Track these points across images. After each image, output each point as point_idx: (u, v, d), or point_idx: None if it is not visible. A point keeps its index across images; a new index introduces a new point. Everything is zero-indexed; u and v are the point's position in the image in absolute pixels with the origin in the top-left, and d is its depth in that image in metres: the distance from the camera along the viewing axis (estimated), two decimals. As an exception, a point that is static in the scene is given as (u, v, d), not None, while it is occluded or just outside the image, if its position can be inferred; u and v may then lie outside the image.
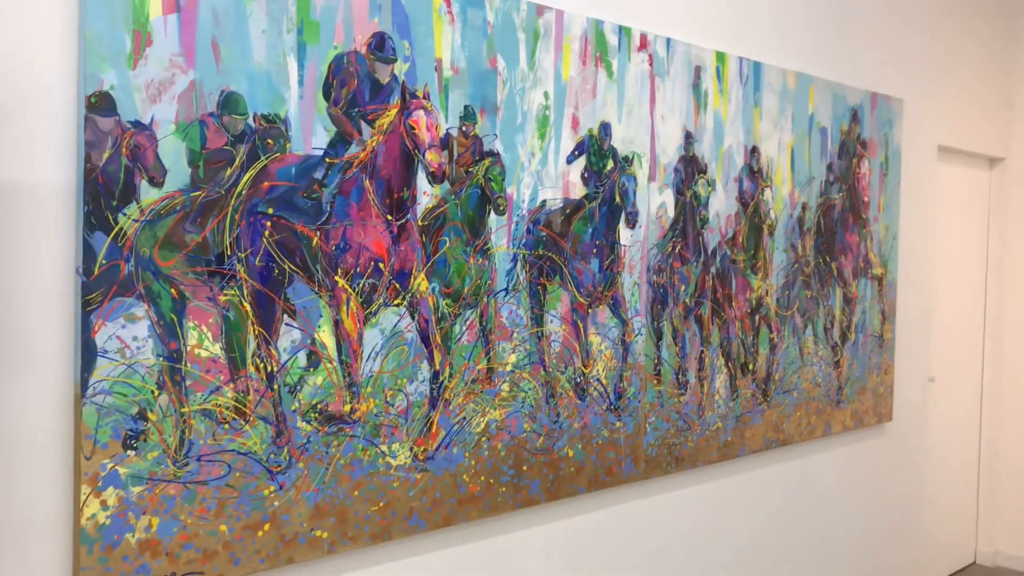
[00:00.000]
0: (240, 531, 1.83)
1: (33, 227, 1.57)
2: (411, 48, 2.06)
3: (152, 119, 1.68)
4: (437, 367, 2.14)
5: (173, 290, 1.72)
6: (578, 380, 2.46)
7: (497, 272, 2.26)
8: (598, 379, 2.51)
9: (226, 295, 1.79)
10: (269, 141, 1.84)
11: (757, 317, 3.02)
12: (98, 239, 1.63)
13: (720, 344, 2.89)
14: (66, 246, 1.60)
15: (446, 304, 2.15)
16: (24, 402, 1.57)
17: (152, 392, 1.71)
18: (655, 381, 2.67)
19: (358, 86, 1.97)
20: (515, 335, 2.30)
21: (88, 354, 1.62)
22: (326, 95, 1.92)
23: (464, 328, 2.19)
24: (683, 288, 2.75)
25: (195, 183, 1.74)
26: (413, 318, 2.09)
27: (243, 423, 1.83)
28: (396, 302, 2.06)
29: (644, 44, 2.58)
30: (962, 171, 4.25)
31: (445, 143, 2.13)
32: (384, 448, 2.05)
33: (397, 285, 2.05)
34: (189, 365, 1.75)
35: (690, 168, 2.75)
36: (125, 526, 1.68)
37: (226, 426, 1.80)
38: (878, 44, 3.50)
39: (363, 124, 1.98)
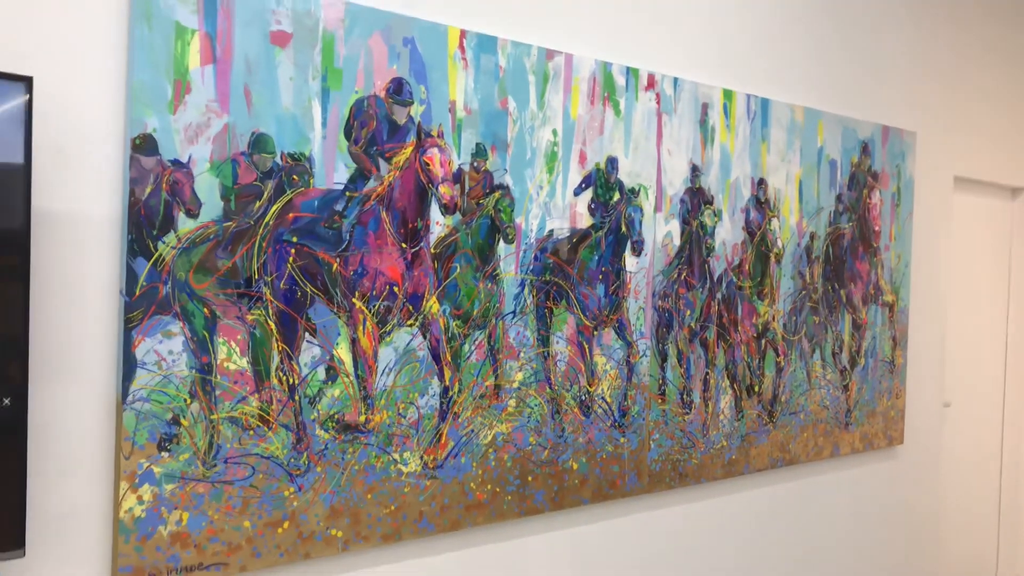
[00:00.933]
0: (262, 527, 2.02)
1: (84, 253, 1.78)
2: (427, 92, 2.25)
3: (190, 158, 1.89)
4: (447, 383, 2.32)
5: (206, 310, 1.92)
6: (583, 398, 2.62)
7: (505, 296, 2.43)
8: (603, 397, 2.67)
9: (253, 314, 1.99)
10: (295, 177, 2.04)
11: (763, 341, 3.15)
12: (139, 264, 1.84)
13: (725, 366, 3.02)
14: (111, 270, 1.82)
15: (456, 325, 2.33)
16: (72, 407, 1.78)
17: (185, 400, 1.91)
18: (659, 400, 2.82)
19: (377, 127, 2.17)
20: (522, 355, 2.47)
21: (129, 365, 1.83)
22: (347, 135, 2.12)
23: (473, 347, 2.37)
24: (688, 313, 2.90)
25: (227, 215, 1.95)
26: (425, 337, 2.27)
27: (266, 430, 2.02)
28: (409, 323, 2.24)
29: (652, 84, 2.75)
30: (983, 201, 4.34)
31: (457, 177, 2.32)
32: (396, 456, 2.23)
33: (410, 307, 2.24)
34: (219, 377, 1.95)
35: (696, 199, 2.90)
36: (158, 519, 1.88)
37: (251, 432, 2.00)
38: (890, 79, 3.63)
39: (381, 161, 2.18)
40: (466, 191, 2.34)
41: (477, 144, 2.35)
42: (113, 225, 1.81)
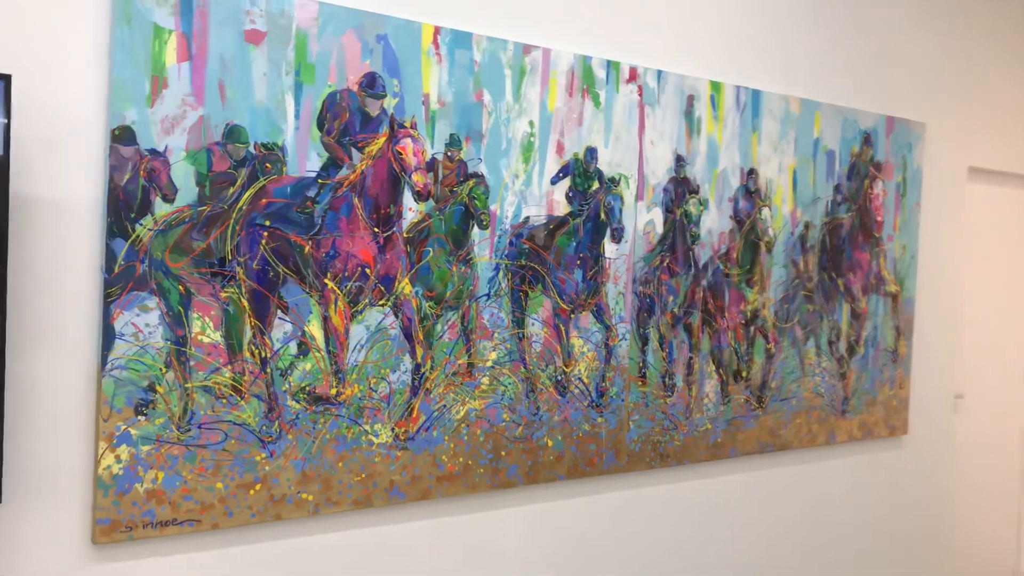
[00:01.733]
0: (234, 489, 2.19)
1: (67, 234, 1.97)
2: (400, 85, 2.38)
3: (166, 148, 2.06)
4: (419, 360, 2.46)
5: (180, 287, 2.09)
6: (559, 378, 2.73)
7: (479, 279, 2.56)
8: (579, 378, 2.78)
9: (226, 292, 2.15)
10: (268, 165, 2.20)
11: (752, 328, 3.22)
12: (118, 244, 2.01)
13: (711, 351, 3.10)
14: (93, 249, 2.00)
15: (429, 306, 2.46)
16: (56, 373, 1.97)
17: (160, 369, 2.08)
18: (640, 383, 2.92)
19: (349, 119, 2.31)
20: (496, 335, 2.60)
21: (108, 336, 2.01)
22: (320, 126, 2.27)
23: (446, 327, 2.50)
24: (671, 298, 2.98)
25: (202, 199, 2.11)
26: (397, 317, 2.41)
27: (239, 399, 2.19)
28: (381, 303, 2.38)
29: (633, 76, 2.83)
30: (1001, 191, 4.30)
31: (431, 166, 2.44)
32: (367, 428, 2.38)
33: (382, 288, 2.38)
34: (192, 349, 2.12)
35: (681, 188, 2.98)
36: (135, 477, 2.06)
37: (224, 400, 2.17)
38: (897, 69, 3.63)
39: (353, 151, 2.32)
40: (439, 179, 2.46)
41: (451, 135, 2.48)
42: (94, 209, 1.99)
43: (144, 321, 2.05)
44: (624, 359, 2.87)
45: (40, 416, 1.95)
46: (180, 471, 2.11)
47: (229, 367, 2.17)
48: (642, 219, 2.89)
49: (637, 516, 2.96)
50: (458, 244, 2.51)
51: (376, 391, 2.38)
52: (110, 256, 2.00)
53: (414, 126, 2.40)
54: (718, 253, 3.10)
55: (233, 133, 2.14)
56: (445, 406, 2.51)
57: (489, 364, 2.59)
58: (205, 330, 2.13)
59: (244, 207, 2.16)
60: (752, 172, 3.17)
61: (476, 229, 2.54)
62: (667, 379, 2.99)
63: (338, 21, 2.27)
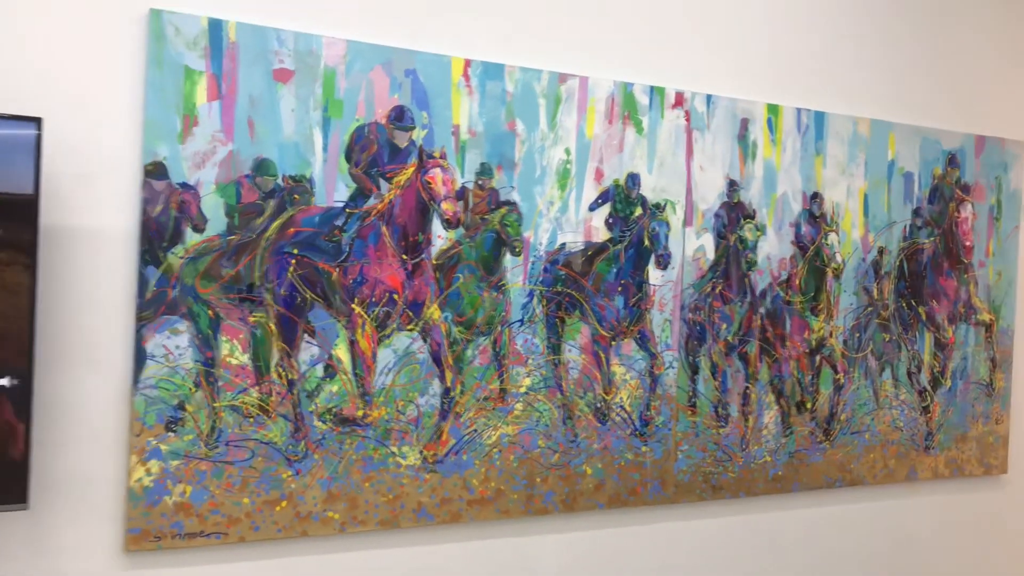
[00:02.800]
0: (260, 505, 2.29)
1: (103, 262, 2.12)
2: (429, 117, 2.45)
3: (197, 181, 2.19)
4: (448, 384, 2.49)
5: (210, 311, 2.22)
6: (598, 405, 2.71)
7: (512, 305, 2.58)
8: (621, 406, 2.75)
9: (255, 317, 2.26)
10: (296, 196, 2.30)
11: (818, 357, 3.09)
12: (150, 272, 2.16)
13: (770, 381, 3.00)
14: (127, 276, 2.15)
15: (459, 331, 2.50)
16: (92, 391, 2.12)
17: (190, 389, 2.21)
18: (689, 412, 2.85)
19: (378, 151, 2.39)
20: (530, 361, 2.61)
21: (140, 357, 2.15)
22: (348, 158, 2.36)
23: (477, 353, 2.53)
24: (724, 326, 2.91)
25: (231, 230, 2.23)
26: (425, 341, 2.46)
27: (266, 419, 2.29)
28: (409, 327, 2.44)
29: (680, 102, 2.80)
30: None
31: (461, 195, 2.49)
32: (395, 449, 2.43)
33: (410, 313, 2.44)
34: (221, 370, 2.23)
35: (735, 213, 2.91)
36: (164, 490, 2.19)
37: (251, 420, 2.27)
38: (982, 85, 3.43)
39: (381, 181, 2.40)
40: (470, 207, 2.50)
41: (482, 163, 2.52)
42: (129, 238, 2.14)
43: (175, 343, 2.18)
44: (671, 388, 2.82)
45: (77, 430, 2.10)
46: (208, 486, 2.22)
47: (256, 388, 2.27)
48: (691, 245, 2.84)
49: (686, 549, 2.88)
50: (489, 271, 2.54)
51: (404, 414, 2.44)
52: (143, 282, 2.14)
53: (443, 156, 2.45)
54: (778, 280, 3.00)
55: (262, 166, 2.25)
56: (476, 431, 2.53)
57: (523, 390, 2.60)
58: (233, 352, 2.24)
59: (272, 236, 2.27)
60: (816, 196, 3.05)
61: (508, 256, 2.56)
62: (720, 409, 2.91)
63: (366, 58, 2.36)
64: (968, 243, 3.38)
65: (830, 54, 3.10)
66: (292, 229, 2.30)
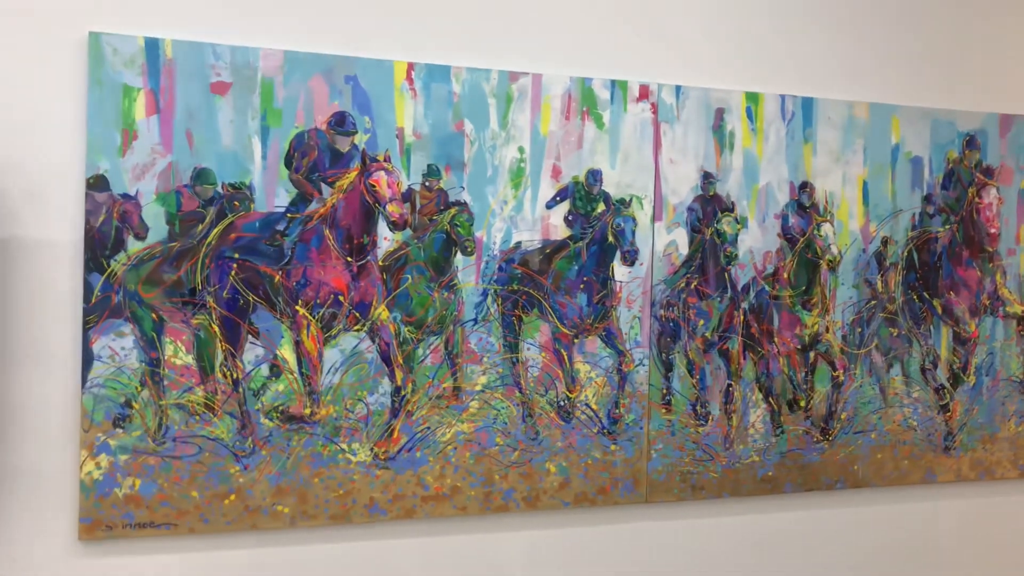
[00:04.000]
0: (209, 498, 2.37)
1: (52, 269, 2.25)
2: (372, 122, 2.47)
3: (137, 192, 2.29)
4: (399, 383, 2.51)
5: (153, 314, 2.31)
6: (561, 403, 2.66)
7: (465, 304, 2.56)
8: (587, 404, 2.69)
9: (198, 319, 2.34)
10: (236, 203, 2.36)
11: (812, 354, 2.93)
12: (95, 278, 2.27)
13: (756, 379, 2.86)
14: (74, 282, 2.26)
15: (408, 331, 2.51)
16: (44, 390, 2.25)
17: (136, 388, 2.31)
18: (663, 411, 2.76)
19: (318, 156, 2.43)
20: (485, 359, 2.58)
21: (87, 358, 2.26)
22: (288, 164, 2.40)
23: (428, 352, 2.53)
24: (701, 322, 2.80)
25: (172, 237, 2.32)
26: (373, 341, 2.48)
27: (212, 416, 2.36)
28: (356, 328, 2.47)
29: (645, 94, 2.71)
30: None
31: (408, 196, 2.50)
32: (344, 446, 2.47)
33: (357, 314, 2.46)
34: (166, 370, 2.33)
35: (710, 207, 2.80)
36: (114, 483, 2.29)
37: (197, 417, 2.35)
38: (1007, 60, 3.15)
39: (323, 186, 2.43)
40: (417, 209, 2.50)
41: (429, 165, 2.51)
42: (74, 248, 2.26)
43: (120, 345, 2.28)
44: (642, 385, 2.73)
45: (31, 427, 2.24)
46: (156, 479, 2.31)
47: (202, 387, 2.34)
48: (661, 240, 2.74)
49: (663, 549, 2.79)
50: (440, 271, 2.53)
51: (353, 412, 2.46)
52: (88, 288, 2.25)
53: (388, 159, 2.46)
54: (762, 274, 2.86)
55: (201, 176, 2.32)
56: (429, 428, 2.53)
57: (479, 388, 2.58)
58: (177, 353, 2.32)
59: (213, 242, 2.34)
60: (805, 185, 2.89)
61: (460, 256, 2.54)
62: (699, 407, 2.80)
63: (304, 67, 2.40)
64: (993, 230, 3.12)
65: (818, 36, 2.92)
66: (233, 235, 2.36)
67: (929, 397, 3.07)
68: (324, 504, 2.46)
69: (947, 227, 3.09)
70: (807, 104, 2.89)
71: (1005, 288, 3.16)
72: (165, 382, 2.32)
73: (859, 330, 2.98)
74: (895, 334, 3.03)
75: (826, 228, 2.91)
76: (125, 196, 2.28)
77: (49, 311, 2.25)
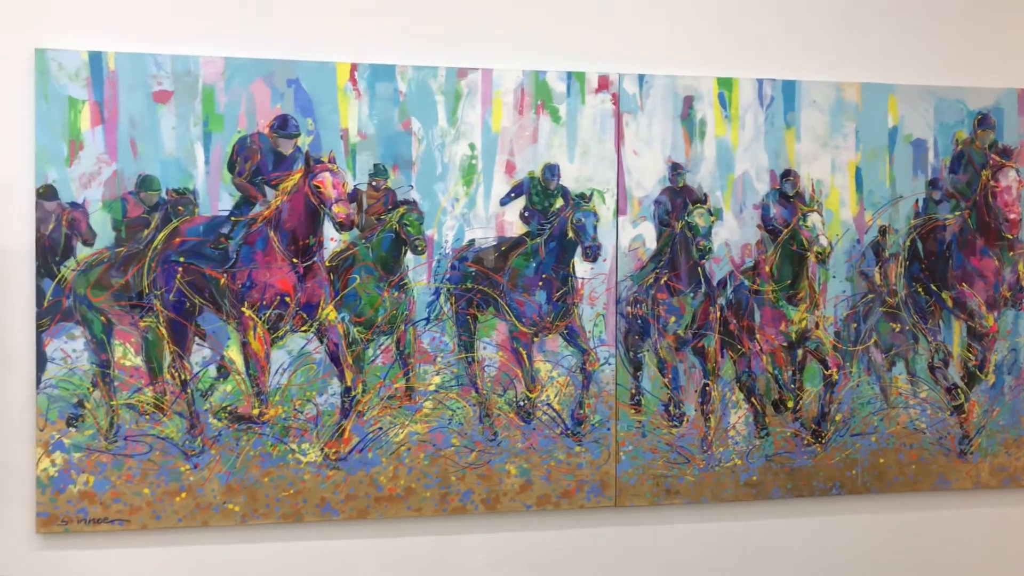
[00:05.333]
0: (160, 495, 2.29)
1: (6, 276, 2.22)
2: (315, 123, 2.33)
3: (84, 200, 2.24)
4: (348, 383, 2.36)
5: (103, 317, 2.25)
6: (521, 403, 2.45)
7: (416, 304, 2.39)
8: (548, 404, 2.46)
9: (145, 322, 2.27)
10: (180, 208, 2.28)
11: (800, 351, 2.60)
12: (46, 283, 2.23)
13: (737, 378, 2.56)
14: (27, 288, 2.23)
15: (358, 331, 2.36)
16: (4, 390, 2.22)
17: (88, 388, 2.25)
18: (632, 411, 2.51)
19: (261, 159, 2.31)
20: (439, 359, 2.40)
21: (40, 360, 2.23)
22: (231, 169, 2.30)
23: (378, 352, 2.38)
24: (673, 319, 2.52)
25: (119, 242, 2.26)
26: (322, 342, 2.35)
27: (161, 416, 2.28)
28: (303, 328, 2.34)
29: (604, 85, 2.47)
30: None
31: (354, 196, 2.35)
32: (294, 446, 2.34)
33: (304, 315, 2.33)
34: (116, 371, 2.26)
35: (680, 199, 2.52)
36: (69, 479, 2.25)
37: (147, 417, 2.28)
38: (1021, 31, 2.72)
39: (267, 188, 2.31)
40: (364, 208, 2.35)
41: (375, 165, 2.37)
42: (27, 255, 2.23)
43: (71, 347, 2.23)
44: (609, 385, 2.48)
45: (-9, 425, 2.21)
46: (109, 476, 2.25)
47: (151, 387, 2.27)
48: (626, 235, 2.49)
49: (633, 554, 2.53)
50: (389, 270, 2.37)
51: (302, 412, 2.33)
52: (40, 293, 2.21)
53: (332, 160, 2.33)
54: (740, 267, 2.55)
55: (145, 182, 2.25)
56: (382, 428, 2.38)
57: (432, 388, 2.40)
58: (127, 355, 2.25)
59: (159, 246, 2.26)
60: (788, 174, 2.57)
61: (410, 255, 2.37)
62: (672, 408, 2.52)
63: (245, 72, 2.29)
64: (1013, 215, 2.70)
65: (799, 14, 2.59)
66: (178, 239, 2.28)
67: (939, 397, 2.68)
68: (275, 503, 2.33)
69: (957, 214, 2.68)
70: (788, 87, 2.56)
71: (1029, 279, 2.72)
72: (115, 383, 2.26)
73: (854, 326, 2.62)
74: (897, 330, 2.65)
75: (813, 218, 2.57)
76: (73, 204, 2.23)
77: (6, 315, 2.21)
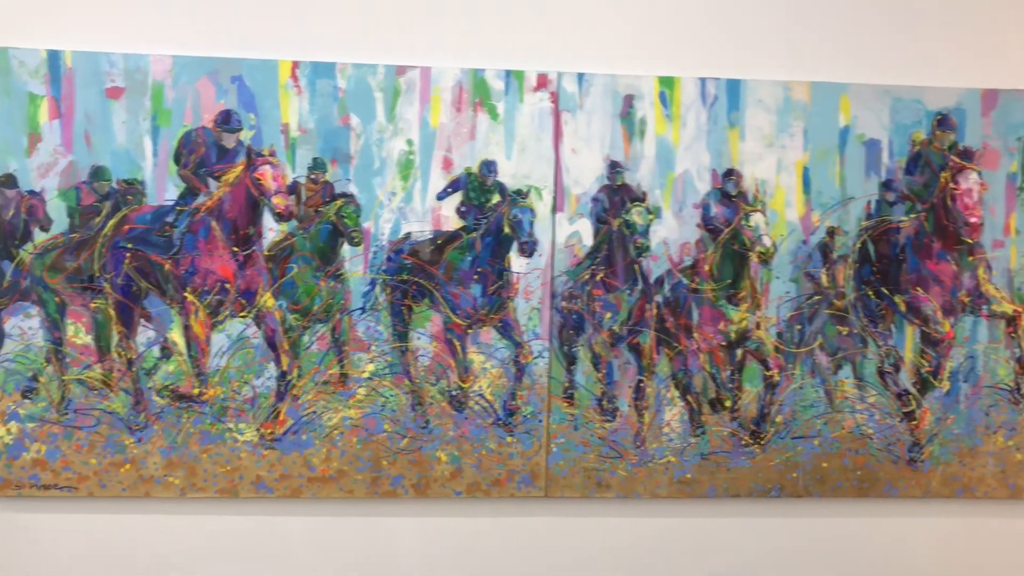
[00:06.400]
0: (107, 466, 2.35)
1: (-28, 258, 2.31)
2: (257, 118, 2.35)
3: (42, 188, 2.31)
4: (284, 368, 2.37)
5: (57, 298, 2.32)
6: (453, 393, 2.42)
7: (352, 294, 2.39)
8: (481, 395, 2.43)
9: (95, 303, 2.33)
10: (129, 197, 2.33)
11: (740, 351, 2.49)
12: (6, 265, 2.31)
13: (673, 375, 2.47)
14: (-11, 269, 2.31)
15: (294, 318, 2.37)
16: (-34, 362, 2.32)
17: (42, 363, 2.33)
18: (565, 404, 2.45)
19: (205, 152, 2.34)
20: (373, 348, 2.40)
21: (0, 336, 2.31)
22: (177, 161, 2.34)
23: (314, 339, 2.38)
24: (608, 315, 2.45)
25: (72, 228, 2.32)
26: (259, 327, 2.37)
27: (109, 391, 2.34)
28: (242, 314, 2.36)
29: (543, 83, 2.41)
30: None
31: (293, 189, 2.36)
32: (231, 425, 2.37)
33: (243, 301, 2.36)
34: (68, 348, 2.33)
35: (618, 197, 2.45)
36: (23, 448, 2.33)
37: (95, 392, 2.34)
38: (988, 29, 2.54)
39: (210, 180, 2.34)
40: (302, 200, 2.36)
41: (315, 159, 2.37)
42: (-11, 238, 2.30)
43: (28, 325, 2.31)
44: (542, 378, 2.43)
45: (-44, 394, 2.31)
46: (60, 446, 2.32)
47: (100, 365, 2.33)
48: (563, 231, 2.43)
49: (562, 544, 2.48)
50: (326, 261, 2.37)
51: (239, 393, 2.35)
52: (0, 274, 2.28)
53: (273, 153, 2.34)
54: (679, 266, 2.46)
55: (97, 173, 2.31)
56: (316, 412, 2.39)
57: (366, 375, 2.39)
58: (78, 333, 2.32)
59: (109, 233, 2.32)
60: (731, 173, 2.46)
61: (347, 246, 2.36)
62: (606, 402, 2.45)
63: (192, 70, 2.32)
64: (974, 219, 2.52)
65: (746, 12, 2.47)
66: (127, 226, 2.33)
67: (889, 403, 2.52)
68: (212, 478, 2.36)
69: (913, 216, 2.52)
70: (733, 86, 2.45)
71: (990, 284, 2.54)
72: (67, 359, 2.32)
73: (799, 327, 2.50)
74: (844, 333, 2.51)
75: (756, 218, 2.45)
76: (31, 192, 2.30)
77: (-31, 294, 2.30)
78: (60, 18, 2.33)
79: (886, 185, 2.54)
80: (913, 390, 2.56)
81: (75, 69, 2.33)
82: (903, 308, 2.55)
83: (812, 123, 2.50)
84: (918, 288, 2.55)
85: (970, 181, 2.53)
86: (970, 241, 2.55)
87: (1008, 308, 2.57)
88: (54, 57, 2.31)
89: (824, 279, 2.53)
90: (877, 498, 2.56)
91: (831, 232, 2.52)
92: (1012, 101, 2.55)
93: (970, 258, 2.56)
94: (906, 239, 2.55)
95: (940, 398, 2.57)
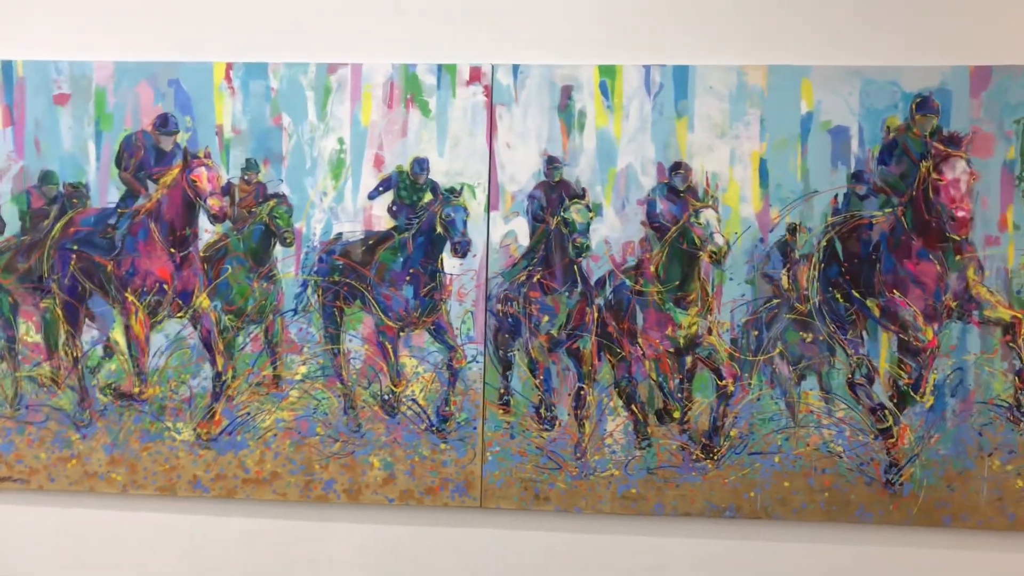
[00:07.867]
0: (55, 460, 2.31)
1: (-63, 259, 2.32)
2: (193, 121, 2.27)
3: (-4, 193, 2.30)
4: (220, 369, 2.27)
5: (10, 298, 2.30)
6: (386, 397, 2.25)
7: (285, 295, 2.26)
8: (414, 399, 2.25)
9: (44, 303, 2.30)
10: (75, 200, 2.29)
11: (690, 358, 2.21)
12: (-35, 266, 2.30)
13: (616, 383, 2.22)
14: (-48, 270, 2.32)
15: (229, 319, 2.26)
16: (-67, 358, 2.34)
17: (-4, 361, 2.31)
18: (501, 411, 2.24)
19: (145, 155, 2.28)
20: (305, 350, 2.26)
21: (-41, 334, 2.31)
22: (118, 164, 2.29)
23: (248, 340, 2.27)
24: (546, 319, 2.22)
25: (24, 231, 2.31)
26: (196, 328, 2.27)
27: (56, 388, 2.30)
28: (179, 315, 2.28)
29: (476, 77, 2.22)
30: None
31: (227, 190, 2.26)
32: (169, 424, 2.29)
33: (180, 302, 2.28)
34: (20, 346, 2.31)
35: (556, 194, 2.22)
36: (-20, 440, 2.32)
37: (44, 389, 2.30)
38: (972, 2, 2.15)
39: (149, 183, 2.27)
40: (236, 201, 2.25)
41: (247, 159, 2.27)
42: (-48, 241, 2.31)
43: (-16, 324, 2.29)
44: (476, 384, 2.23)
45: (-76, 388, 2.33)
46: (13, 440, 2.31)
47: (48, 363, 2.30)
48: (498, 230, 2.22)
49: (497, 557, 2.26)
50: (259, 261, 2.26)
51: (177, 393, 2.27)
52: (-40, 275, 2.29)
53: (208, 155, 2.25)
54: (621, 266, 2.20)
55: (45, 177, 2.28)
56: (250, 413, 2.27)
57: (299, 377, 2.25)
58: (29, 332, 2.30)
59: (56, 235, 2.29)
60: (679, 166, 2.18)
61: (279, 247, 2.24)
62: (544, 410, 2.22)
63: (132, 75, 2.27)
64: (961, 213, 2.14)
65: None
66: (72, 229, 2.29)
67: (861, 418, 2.16)
68: (152, 476, 2.28)
69: (888, 211, 2.16)
70: (680, 73, 2.17)
71: (981, 286, 2.15)
72: (19, 357, 2.29)
73: (755, 333, 2.18)
74: (808, 340, 2.17)
75: (707, 214, 2.16)
76: (-14, 197, 2.28)
77: (-66, 294, 2.31)
78: (11, 29, 2.31)
79: (856, 177, 2.18)
80: (890, 404, 2.19)
81: (26, 78, 2.30)
82: (877, 313, 2.18)
83: (769, 110, 2.18)
84: (895, 291, 2.18)
85: (956, 170, 2.14)
86: (957, 238, 2.15)
87: (1004, 314, 2.16)
88: (7, 67, 2.30)
89: (784, 281, 2.20)
90: (847, 523, 2.20)
91: (792, 229, 2.19)
92: (1007, 79, 2.14)
93: (957, 257, 2.17)
94: (880, 236, 2.18)
95: (922, 414, 2.18)
